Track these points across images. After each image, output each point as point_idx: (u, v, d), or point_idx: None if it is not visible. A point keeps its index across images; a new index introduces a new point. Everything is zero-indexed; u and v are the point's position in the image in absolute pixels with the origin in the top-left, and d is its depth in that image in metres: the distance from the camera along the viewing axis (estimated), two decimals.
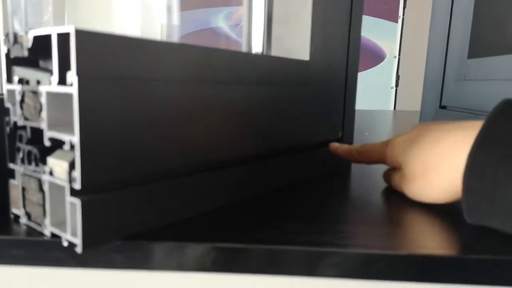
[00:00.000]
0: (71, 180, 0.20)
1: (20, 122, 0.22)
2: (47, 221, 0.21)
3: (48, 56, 0.20)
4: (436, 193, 0.28)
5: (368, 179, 0.38)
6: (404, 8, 2.25)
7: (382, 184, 0.36)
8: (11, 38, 0.22)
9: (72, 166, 0.20)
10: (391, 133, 0.82)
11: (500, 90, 0.59)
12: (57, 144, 0.21)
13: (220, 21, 2.21)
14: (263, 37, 0.38)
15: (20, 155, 0.22)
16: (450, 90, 0.74)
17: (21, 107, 0.22)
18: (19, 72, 0.22)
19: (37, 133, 0.21)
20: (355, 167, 0.42)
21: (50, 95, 0.20)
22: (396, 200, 0.31)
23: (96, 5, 0.45)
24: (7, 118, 0.23)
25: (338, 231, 0.25)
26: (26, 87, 0.22)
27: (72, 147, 0.20)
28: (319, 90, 0.36)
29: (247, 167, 0.30)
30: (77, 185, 0.20)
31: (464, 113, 0.68)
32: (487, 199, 0.23)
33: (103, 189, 0.21)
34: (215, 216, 0.27)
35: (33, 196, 0.22)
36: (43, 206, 0.22)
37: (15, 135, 0.23)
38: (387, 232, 0.25)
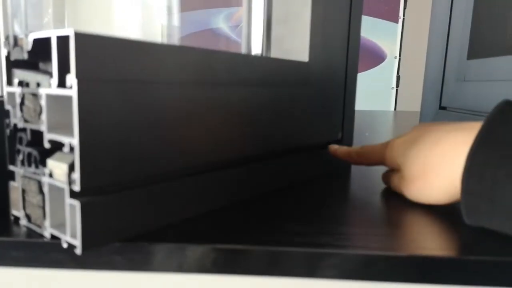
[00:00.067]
0: (70, 182, 0.20)
1: (20, 124, 0.22)
2: (47, 223, 0.22)
3: (48, 58, 0.20)
4: (436, 194, 0.28)
5: (368, 180, 0.38)
6: (404, 8, 2.25)
7: (382, 185, 0.36)
8: (11, 41, 0.22)
9: (71, 168, 0.20)
10: (392, 133, 0.82)
11: (500, 90, 0.59)
12: (57, 146, 0.21)
13: (220, 22, 2.21)
14: (263, 38, 0.38)
15: (20, 157, 0.23)
16: (450, 91, 0.73)
17: (21, 110, 0.22)
18: (19, 74, 0.22)
19: (37, 135, 0.21)
20: (354, 168, 0.42)
21: (50, 97, 0.20)
22: (396, 201, 0.31)
23: (96, 7, 0.45)
24: (7, 120, 0.23)
25: (338, 232, 0.25)
26: (26, 90, 0.22)
27: (71, 149, 0.20)
28: (318, 90, 0.37)
29: (247, 167, 0.30)
30: (77, 187, 0.20)
31: (464, 114, 0.68)
32: (487, 200, 0.23)
33: (103, 191, 0.21)
34: (215, 217, 0.27)
35: (33, 198, 0.22)
36: (43, 208, 0.22)
37: (15, 137, 0.23)
38: (386, 233, 0.25)
